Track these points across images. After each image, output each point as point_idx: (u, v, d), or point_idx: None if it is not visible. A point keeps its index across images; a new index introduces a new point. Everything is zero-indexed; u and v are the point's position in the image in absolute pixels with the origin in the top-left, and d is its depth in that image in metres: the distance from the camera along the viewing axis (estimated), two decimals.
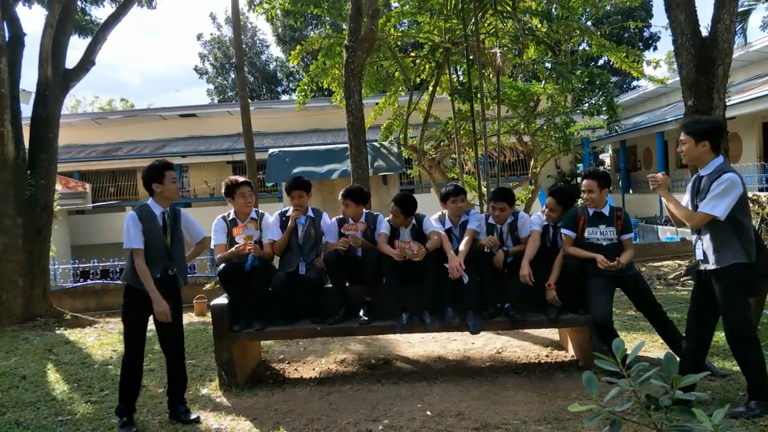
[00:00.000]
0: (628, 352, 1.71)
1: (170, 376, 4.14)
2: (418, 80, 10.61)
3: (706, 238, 3.57)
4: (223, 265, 4.82)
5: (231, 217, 4.99)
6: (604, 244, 4.51)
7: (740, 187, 3.48)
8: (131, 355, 3.95)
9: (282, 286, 4.86)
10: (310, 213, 5.14)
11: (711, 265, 3.55)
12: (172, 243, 4.01)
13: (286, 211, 5.12)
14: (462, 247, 4.77)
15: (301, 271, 4.97)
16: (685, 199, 3.82)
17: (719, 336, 5.20)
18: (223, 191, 5.03)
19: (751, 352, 3.54)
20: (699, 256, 3.66)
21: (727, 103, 8.75)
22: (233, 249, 4.77)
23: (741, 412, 3.43)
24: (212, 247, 5.02)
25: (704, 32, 8.32)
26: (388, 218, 5.02)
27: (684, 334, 3.99)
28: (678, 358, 4.38)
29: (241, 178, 5.00)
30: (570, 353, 5.29)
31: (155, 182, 3.94)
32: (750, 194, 6.78)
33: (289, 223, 5.00)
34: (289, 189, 5.10)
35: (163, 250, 3.95)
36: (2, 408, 4.50)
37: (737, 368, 4.23)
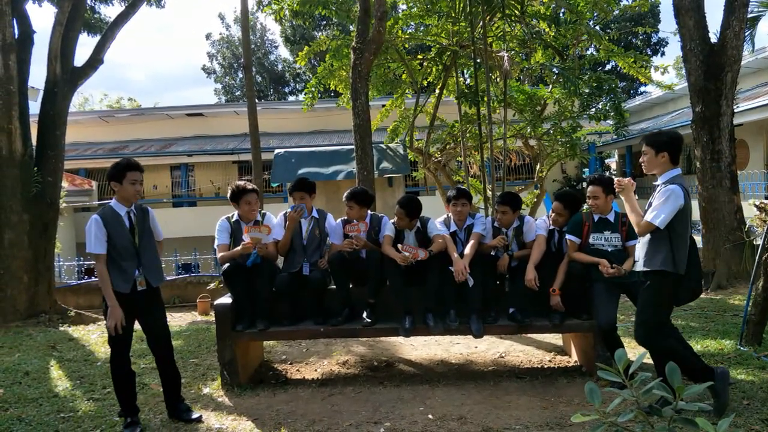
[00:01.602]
0: (633, 358, 1.69)
1: (161, 376, 4.14)
2: (425, 83, 10.61)
3: (644, 240, 3.73)
4: (227, 264, 4.82)
5: (235, 219, 4.97)
6: (609, 250, 4.49)
7: (681, 199, 3.58)
8: (118, 359, 3.92)
9: (285, 287, 4.86)
10: (314, 214, 5.15)
11: (641, 267, 3.74)
12: (140, 243, 3.95)
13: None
14: (467, 250, 4.76)
15: (304, 272, 4.97)
16: None
17: (723, 344, 5.18)
18: (228, 195, 5.02)
19: (667, 346, 3.64)
20: (636, 256, 3.88)
21: (735, 110, 8.72)
22: (239, 248, 4.77)
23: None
24: (215, 246, 5.02)
25: (713, 38, 8.30)
26: (393, 220, 5.02)
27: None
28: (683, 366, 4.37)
29: (248, 186, 4.92)
30: (573, 359, 5.27)
31: (114, 181, 3.88)
32: (757, 202, 6.75)
33: (288, 222, 5.00)
34: (292, 190, 5.11)
35: (131, 250, 3.89)
36: (5, 404, 4.51)
37: (740, 376, 4.23)
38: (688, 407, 1.48)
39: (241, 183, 4.99)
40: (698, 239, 12.35)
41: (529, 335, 5.89)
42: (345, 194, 5.07)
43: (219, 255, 4.93)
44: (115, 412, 4.12)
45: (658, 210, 3.59)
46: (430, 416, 3.95)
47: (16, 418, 4.19)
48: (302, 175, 11.49)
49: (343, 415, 4.04)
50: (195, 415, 4.06)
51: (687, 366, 3.53)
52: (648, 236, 3.69)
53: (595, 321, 4.44)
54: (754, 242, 7.24)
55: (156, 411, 4.26)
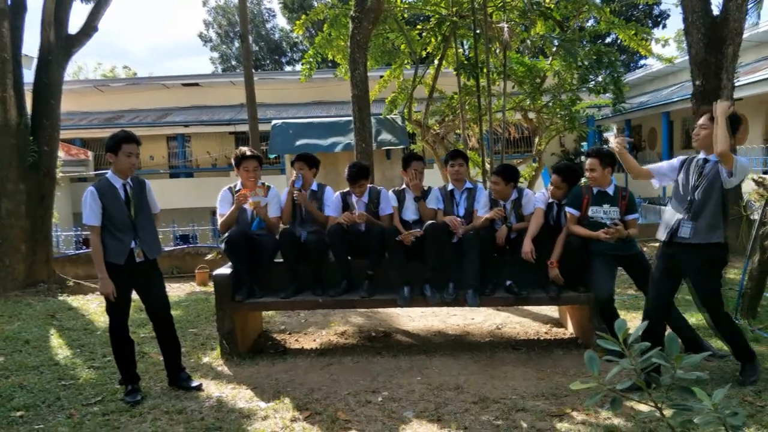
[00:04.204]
0: (630, 331, 1.72)
1: (161, 345, 4.18)
2: (423, 54, 10.51)
3: (703, 214, 3.69)
4: (229, 232, 4.81)
5: (237, 189, 4.96)
6: (608, 223, 4.49)
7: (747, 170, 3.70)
8: (116, 327, 3.95)
9: (284, 247, 4.86)
10: (314, 187, 5.15)
11: (695, 239, 3.70)
12: (137, 215, 3.95)
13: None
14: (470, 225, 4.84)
15: (302, 239, 4.98)
16: (670, 168, 3.98)
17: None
18: (233, 160, 5.04)
19: (728, 320, 3.86)
20: (685, 233, 3.74)
21: (736, 84, 8.66)
22: (233, 206, 4.80)
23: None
24: (217, 216, 5.03)
25: (715, 11, 8.22)
26: (394, 188, 5.08)
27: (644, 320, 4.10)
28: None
29: (248, 152, 4.96)
30: (569, 331, 5.33)
31: (110, 152, 3.86)
32: (755, 176, 6.76)
33: (288, 188, 5.02)
34: (293, 162, 5.13)
35: (127, 223, 3.88)
36: (6, 371, 4.56)
37: None
38: (685, 376, 1.50)
39: (244, 149, 5.02)
40: None
41: (525, 307, 5.94)
42: (348, 175, 5.04)
43: (219, 222, 4.96)
44: (115, 379, 4.17)
45: (738, 172, 3.61)
46: (427, 386, 4.01)
47: (17, 385, 4.23)
48: (300, 146, 11.47)
49: (342, 384, 4.10)
50: (195, 384, 4.11)
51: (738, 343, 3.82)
52: (709, 208, 3.69)
53: (591, 293, 4.48)
54: (751, 217, 7.27)
55: (156, 379, 4.31)
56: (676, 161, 3.98)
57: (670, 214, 3.86)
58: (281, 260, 4.97)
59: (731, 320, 3.88)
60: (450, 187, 5.14)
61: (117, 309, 3.92)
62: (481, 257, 4.72)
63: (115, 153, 3.86)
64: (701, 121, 3.78)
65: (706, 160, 3.76)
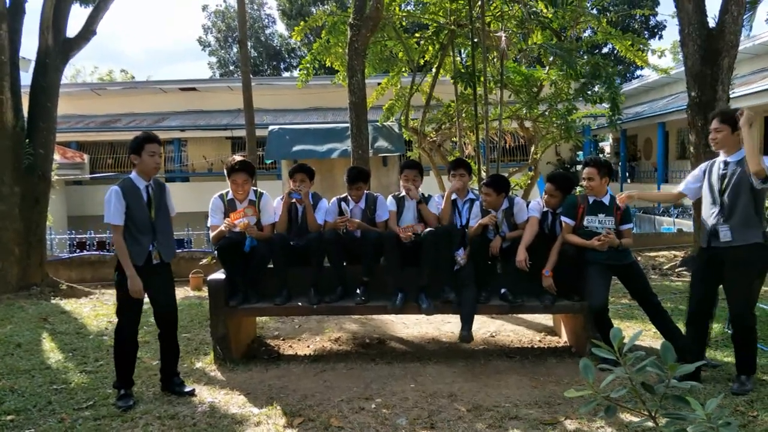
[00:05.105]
0: (625, 340, 1.72)
1: (162, 348, 4.16)
2: (421, 62, 10.53)
3: (735, 215, 3.73)
4: (222, 239, 4.79)
5: (229, 197, 4.89)
6: (603, 233, 4.50)
7: None
8: (123, 330, 3.94)
9: (274, 252, 4.84)
10: (309, 198, 5.14)
11: (734, 242, 3.73)
12: (156, 217, 3.98)
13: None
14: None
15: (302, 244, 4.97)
16: (694, 179, 4.05)
17: (711, 327, 5.24)
18: (224, 169, 4.98)
19: (753, 331, 3.85)
20: (725, 236, 3.77)
21: (731, 96, 8.72)
22: (222, 226, 4.73)
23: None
24: (208, 225, 4.99)
25: (711, 23, 8.27)
26: (393, 194, 5.12)
27: (687, 324, 4.14)
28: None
29: (237, 164, 4.79)
30: (563, 339, 5.33)
31: (134, 154, 3.90)
32: None
33: (284, 198, 5.00)
34: (292, 172, 5.11)
35: (148, 224, 3.91)
36: None
37: (727, 359, 4.30)
38: (680, 385, 1.51)
39: (235, 159, 4.89)
40: (689, 223, 12.44)
41: (519, 316, 5.94)
42: (348, 176, 5.07)
43: (211, 235, 4.93)
44: (107, 384, 4.14)
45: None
46: (420, 393, 3.99)
47: (8, 389, 4.20)
48: (296, 152, 11.47)
49: (335, 391, 4.08)
50: (188, 389, 4.09)
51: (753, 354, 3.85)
52: (739, 209, 3.72)
53: (586, 302, 4.48)
54: None
55: (149, 384, 4.28)
56: (698, 171, 4.08)
57: (705, 220, 3.95)
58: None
59: (754, 329, 3.86)
60: (453, 195, 5.14)
61: (130, 310, 3.91)
62: (475, 266, 4.74)
63: (139, 154, 3.89)
64: (714, 125, 3.86)
65: (726, 162, 3.84)
